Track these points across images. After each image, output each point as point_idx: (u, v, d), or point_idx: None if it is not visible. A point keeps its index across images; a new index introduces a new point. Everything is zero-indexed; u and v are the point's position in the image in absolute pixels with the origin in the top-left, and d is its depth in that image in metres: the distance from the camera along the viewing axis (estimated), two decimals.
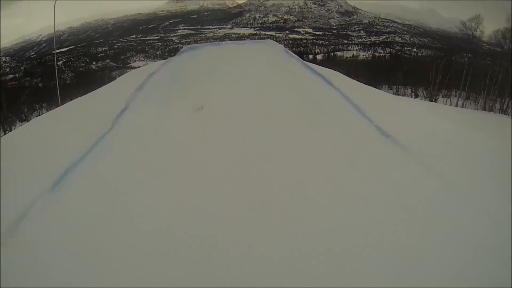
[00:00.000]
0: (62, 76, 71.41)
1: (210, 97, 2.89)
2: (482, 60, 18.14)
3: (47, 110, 19.62)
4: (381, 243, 1.77)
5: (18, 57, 71.19)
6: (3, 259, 1.58)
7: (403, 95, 20.11)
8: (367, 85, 4.79)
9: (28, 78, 60.09)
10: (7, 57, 71.37)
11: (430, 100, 14.93)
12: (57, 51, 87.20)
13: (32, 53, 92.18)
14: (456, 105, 13.95)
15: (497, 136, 4.23)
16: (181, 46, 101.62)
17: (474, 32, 14.01)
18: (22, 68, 65.62)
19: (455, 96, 16.20)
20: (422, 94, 19.42)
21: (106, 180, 2.15)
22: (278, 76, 3.21)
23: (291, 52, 3.76)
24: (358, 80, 5.05)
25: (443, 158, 2.57)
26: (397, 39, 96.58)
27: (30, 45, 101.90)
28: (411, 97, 18.15)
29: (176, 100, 2.85)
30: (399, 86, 23.65)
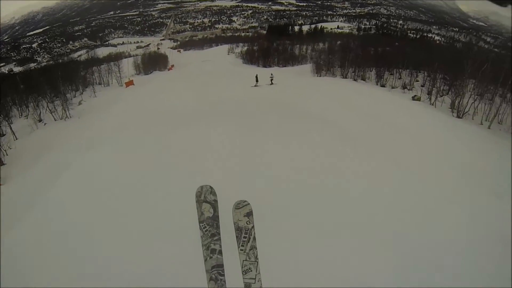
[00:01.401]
0: (38, 58, 69.68)
1: None
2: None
3: None
4: None
5: None
6: None
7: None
8: None
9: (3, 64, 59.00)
10: None
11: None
12: (32, 32, 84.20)
13: (6, 37, 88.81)
14: None
15: None
16: (161, 20, 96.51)
17: None
18: None
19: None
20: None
21: None
22: None
23: None
24: None
25: None
26: (383, 10, 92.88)
27: (3, 29, 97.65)
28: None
29: None
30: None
